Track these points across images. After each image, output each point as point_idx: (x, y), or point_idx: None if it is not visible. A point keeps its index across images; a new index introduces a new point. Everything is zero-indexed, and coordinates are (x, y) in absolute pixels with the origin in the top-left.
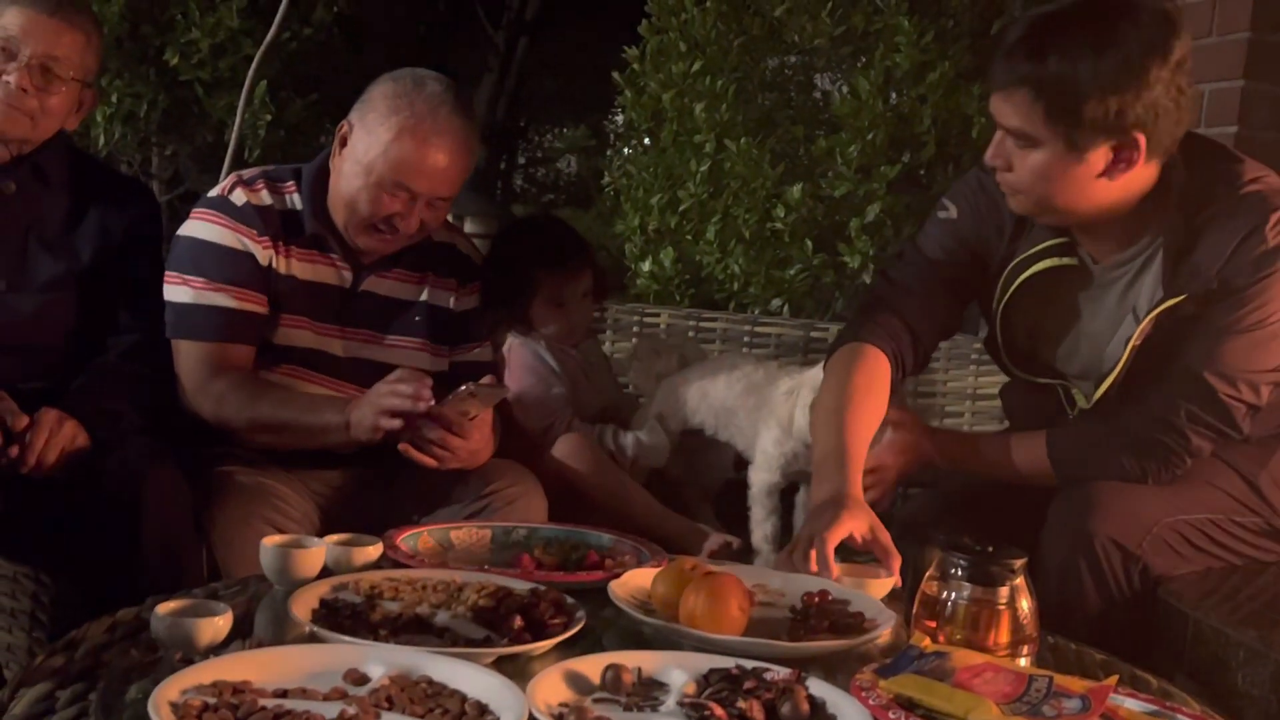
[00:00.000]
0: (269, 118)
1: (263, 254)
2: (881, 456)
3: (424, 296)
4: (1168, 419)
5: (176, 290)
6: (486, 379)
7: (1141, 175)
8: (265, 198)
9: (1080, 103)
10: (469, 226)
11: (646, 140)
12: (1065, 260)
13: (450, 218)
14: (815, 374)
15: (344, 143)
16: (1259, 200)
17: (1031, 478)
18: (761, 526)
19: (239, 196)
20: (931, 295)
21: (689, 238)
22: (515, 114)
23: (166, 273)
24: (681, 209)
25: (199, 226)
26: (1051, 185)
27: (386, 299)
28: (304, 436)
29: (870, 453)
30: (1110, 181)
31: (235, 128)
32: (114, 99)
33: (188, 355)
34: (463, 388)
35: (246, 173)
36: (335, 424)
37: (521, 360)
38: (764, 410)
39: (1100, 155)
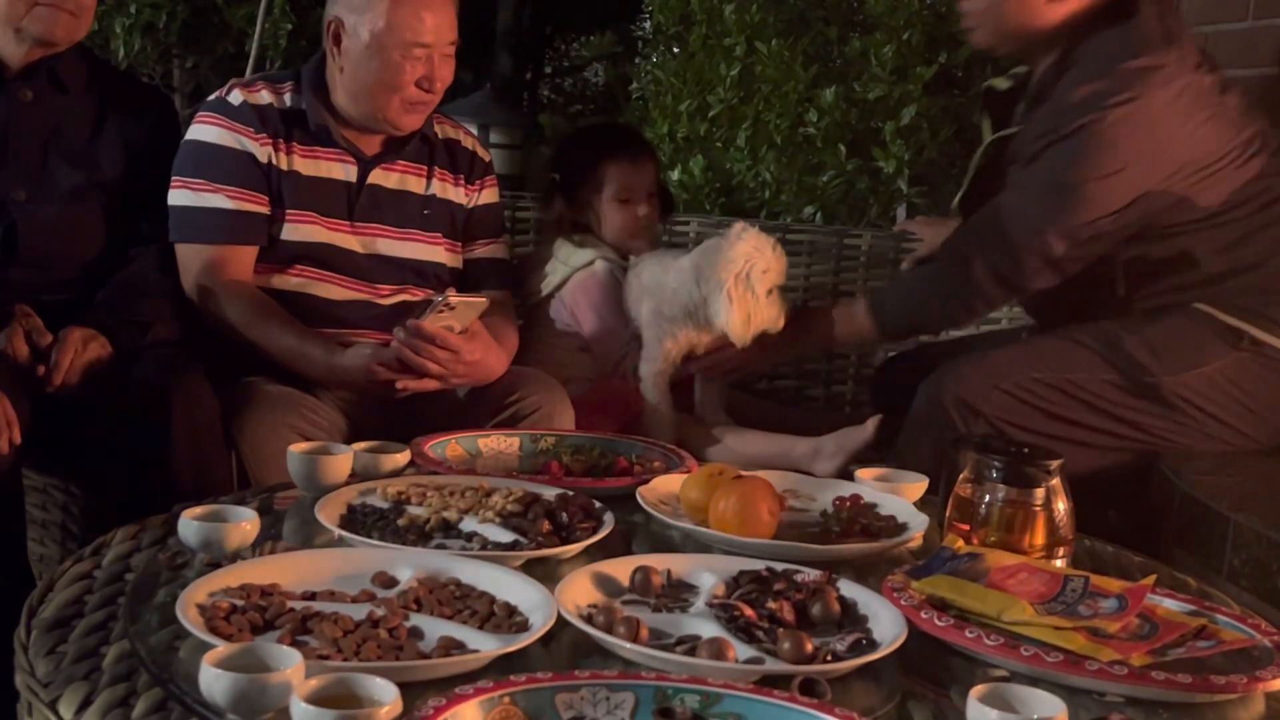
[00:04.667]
0: (289, 27)
1: (261, 151)
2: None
3: (432, 190)
4: (961, 251)
5: (177, 194)
6: (478, 296)
7: (1077, 10)
8: (264, 97)
9: None
10: (494, 137)
11: (675, 48)
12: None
13: (475, 127)
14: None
15: (337, 40)
16: (1108, 74)
17: (859, 336)
18: (654, 418)
19: (236, 97)
20: None
21: (719, 145)
22: (541, 22)
23: (172, 178)
24: (711, 115)
25: (198, 129)
26: (1005, 16)
27: (394, 192)
28: (296, 368)
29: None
30: (1054, 14)
31: (255, 38)
32: (133, 10)
33: (189, 258)
34: (437, 299)
35: (245, 78)
36: (320, 364)
37: (598, 292)
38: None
39: None
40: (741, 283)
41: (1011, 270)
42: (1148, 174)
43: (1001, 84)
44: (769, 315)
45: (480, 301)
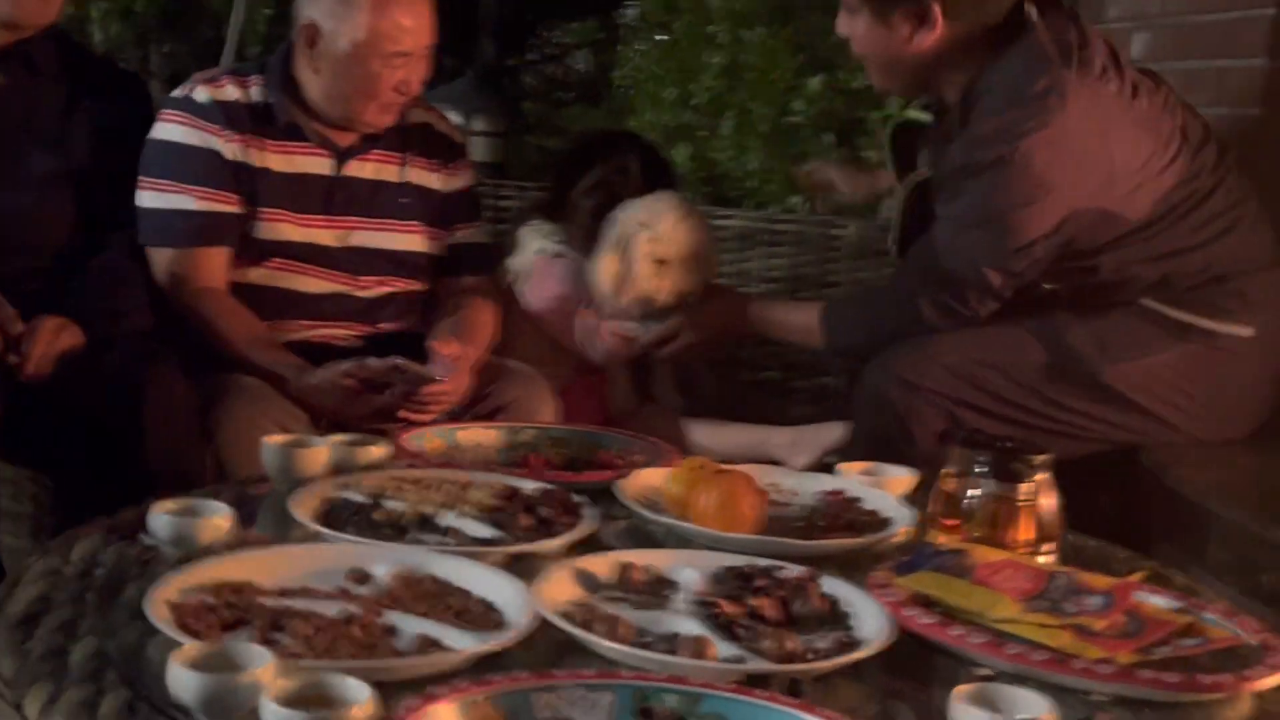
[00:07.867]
0: (268, 12)
1: (228, 149)
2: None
3: (407, 177)
4: (905, 289)
5: (144, 195)
6: (427, 371)
7: (949, 41)
8: (230, 93)
9: None
10: (477, 124)
11: (659, 35)
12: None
13: (458, 115)
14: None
15: (311, 43)
16: (1014, 103)
17: (806, 340)
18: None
19: (201, 94)
20: None
21: (704, 133)
22: (524, 8)
23: (138, 178)
24: (695, 104)
25: (163, 128)
26: (876, 51)
27: (371, 182)
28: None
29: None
30: (921, 46)
31: (233, 23)
32: None
33: (159, 262)
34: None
35: (210, 71)
36: (290, 386)
37: (557, 275)
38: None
39: (902, 22)
40: (619, 246)
41: (956, 303)
42: (1070, 194)
43: (920, 116)
44: (649, 285)
45: (426, 378)
